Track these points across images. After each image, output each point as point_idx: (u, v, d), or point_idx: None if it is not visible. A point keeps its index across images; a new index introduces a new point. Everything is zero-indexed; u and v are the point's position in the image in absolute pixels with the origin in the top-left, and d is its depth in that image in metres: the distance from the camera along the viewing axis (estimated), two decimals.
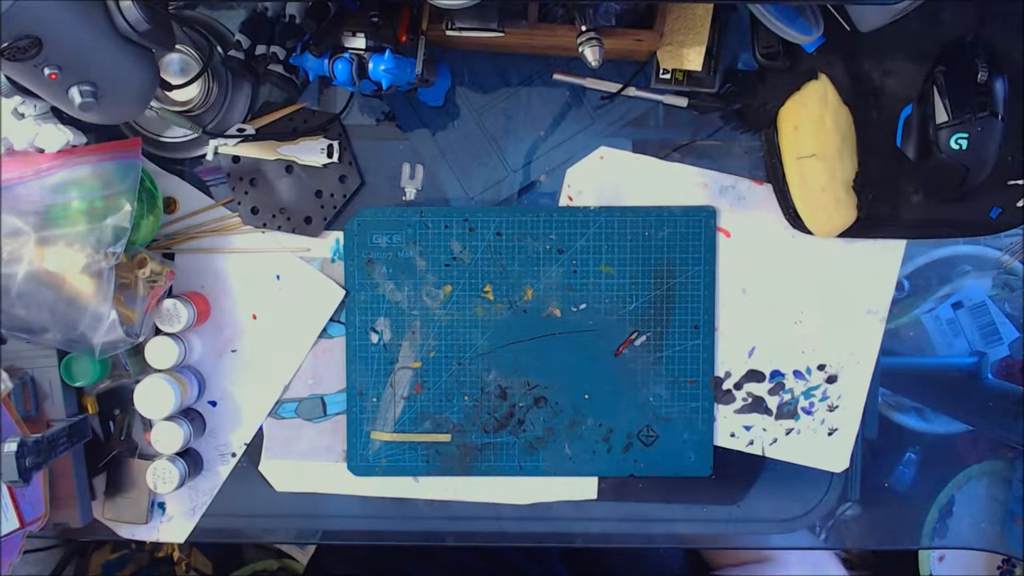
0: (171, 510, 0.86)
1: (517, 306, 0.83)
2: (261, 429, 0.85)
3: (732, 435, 0.85)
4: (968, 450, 0.86)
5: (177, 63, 0.79)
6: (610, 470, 0.84)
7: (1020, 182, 0.77)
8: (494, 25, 0.71)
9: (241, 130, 0.80)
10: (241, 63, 0.74)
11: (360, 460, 0.84)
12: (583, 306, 0.83)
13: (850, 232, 0.80)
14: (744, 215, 0.83)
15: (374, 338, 0.84)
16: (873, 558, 1.25)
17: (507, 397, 0.84)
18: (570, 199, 0.83)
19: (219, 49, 0.80)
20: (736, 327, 0.84)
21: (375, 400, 0.84)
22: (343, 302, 0.84)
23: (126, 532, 0.86)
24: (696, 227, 0.82)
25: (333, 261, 0.84)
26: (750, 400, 0.84)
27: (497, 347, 0.83)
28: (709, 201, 0.83)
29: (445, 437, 0.84)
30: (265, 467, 0.86)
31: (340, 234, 0.84)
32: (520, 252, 0.83)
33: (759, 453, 0.85)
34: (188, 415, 0.83)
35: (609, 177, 0.83)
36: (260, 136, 0.80)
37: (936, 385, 0.87)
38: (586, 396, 0.84)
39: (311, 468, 0.85)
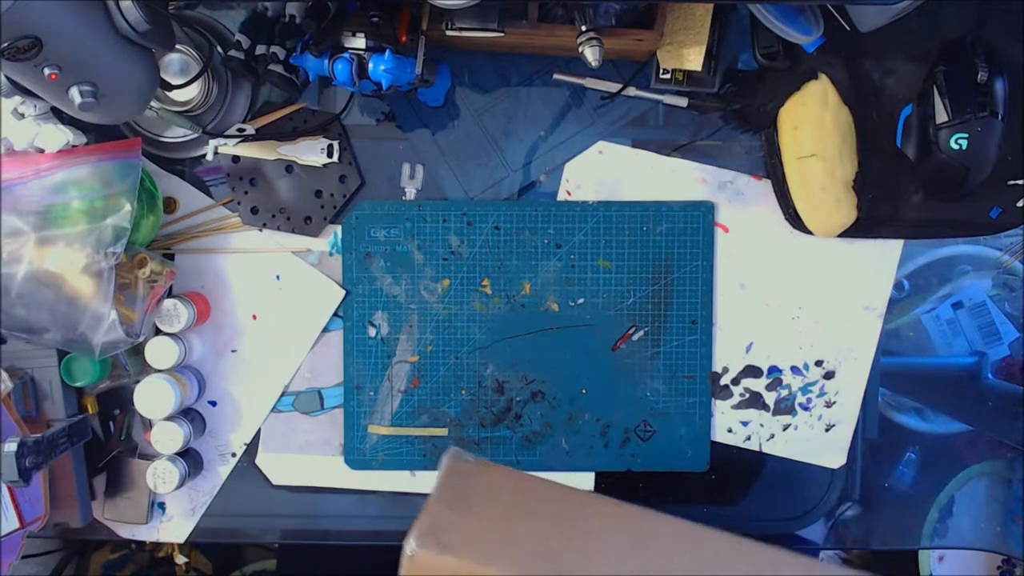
0: (171, 510, 0.86)
1: (515, 300, 0.83)
2: None
3: (729, 431, 0.85)
4: (968, 450, 0.86)
5: (177, 63, 0.79)
6: (607, 465, 0.85)
7: (1020, 182, 0.77)
8: (494, 25, 0.71)
9: (241, 130, 0.80)
10: (241, 63, 0.74)
11: (357, 454, 0.85)
12: (581, 301, 0.83)
13: (850, 232, 0.80)
14: (742, 210, 0.83)
15: (372, 332, 0.84)
16: (873, 558, 1.24)
17: (504, 391, 0.84)
18: (568, 193, 0.83)
19: (219, 49, 0.80)
20: (734, 322, 0.84)
21: (372, 394, 0.84)
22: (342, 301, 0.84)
23: (126, 532, 0.86)
24: (694, 222, 0.83)
25: (331, 255, 0.84)
26: (747, 396, 0.84)
27: (495, 341, 0.84)
28: (708, 196, 0.83)
29: (442, 431, 0.84)
30: (262, 460, 0.86)
31: (338, 228, 0.84)
32: (518, 246, 0.83)
33: (756, 449, 0.85)
34: (188, 415, 0.83)
35: (608, 172, 0.83)
36: (260, 136, 0.80)
37: (936, 385, 0.87)
38: (583, 391, 0.84)
39: (308, 461, 0.86)
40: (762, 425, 0.85)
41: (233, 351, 0.85)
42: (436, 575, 0.57)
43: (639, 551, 0.61)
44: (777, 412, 0.85)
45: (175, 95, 0.79)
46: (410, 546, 0.56)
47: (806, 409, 0.84)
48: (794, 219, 0.81)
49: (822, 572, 0.62)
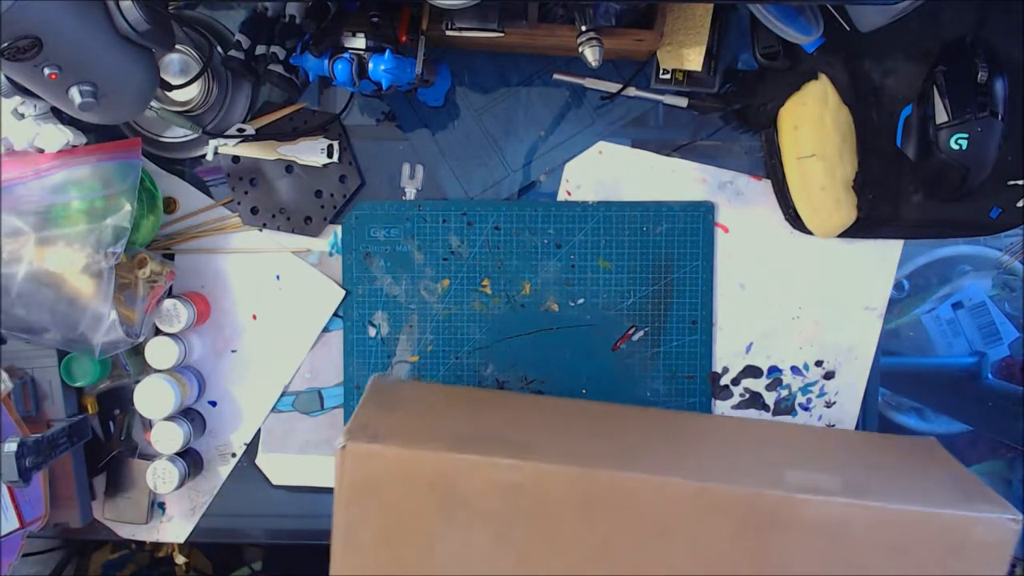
0: (171, 510, 0.86)
1: (515, 300, 0.83)
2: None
3: None
4: (968, 450, 0.86)
5: (177, 63, 0.79)
6: None
7: (1020, 182, 0.77)
8: (494, 25, 0.71)
9: (241, 130, 0.80)
10: (241, 63, 0.74)
11: None
12: (581, 301, 0.83)
13: (850, 232, 0.80)
14: (742, 211, 0.83)
15: (372, 332, 0.84)
16: None
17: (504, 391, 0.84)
18: (568, 193, 0.83)
19: (219, 49, 0.80)
20: (734, 322, 0.84)
21: None
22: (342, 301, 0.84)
23: (126, 532, 0.86)
24: (694, 222, 0.83)
25: (331, 255, 0.84)
26: (747, 396, 0.84)
27: (495, 341, 0.83)
28: (708, 196, 0.83)
29: None
30: (262, 460, 0.86)
31: (338, 228, 0.84)
32: (518, 246, 0.83)
33: None
34: (188, 415, 0.83)
35: (608, 172, 0.83)
36: (260, 136, 0.80)
37: (936, 385, 0.87)
38: (583, 391, 0.84)
39: (308, 462, 0.86)
40: None
41: (233, 351, 0.85)
42: (368, 463, 0.62)
43: (551, 424, 0.68)
44: (777, 412, 0.84)
45: (175, 95, 0.79)
46: (339, 442, 0.62)
47: (806, 409, 0.84)
48: (794, 219, 0.81)
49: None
